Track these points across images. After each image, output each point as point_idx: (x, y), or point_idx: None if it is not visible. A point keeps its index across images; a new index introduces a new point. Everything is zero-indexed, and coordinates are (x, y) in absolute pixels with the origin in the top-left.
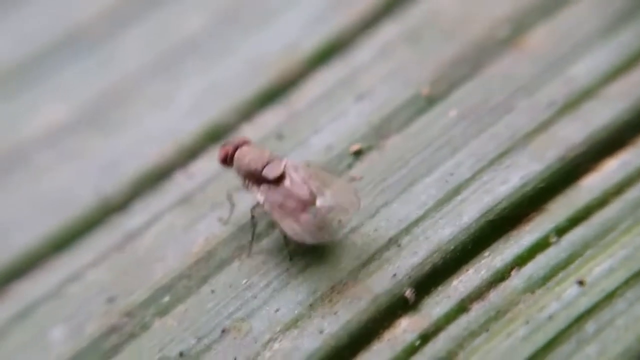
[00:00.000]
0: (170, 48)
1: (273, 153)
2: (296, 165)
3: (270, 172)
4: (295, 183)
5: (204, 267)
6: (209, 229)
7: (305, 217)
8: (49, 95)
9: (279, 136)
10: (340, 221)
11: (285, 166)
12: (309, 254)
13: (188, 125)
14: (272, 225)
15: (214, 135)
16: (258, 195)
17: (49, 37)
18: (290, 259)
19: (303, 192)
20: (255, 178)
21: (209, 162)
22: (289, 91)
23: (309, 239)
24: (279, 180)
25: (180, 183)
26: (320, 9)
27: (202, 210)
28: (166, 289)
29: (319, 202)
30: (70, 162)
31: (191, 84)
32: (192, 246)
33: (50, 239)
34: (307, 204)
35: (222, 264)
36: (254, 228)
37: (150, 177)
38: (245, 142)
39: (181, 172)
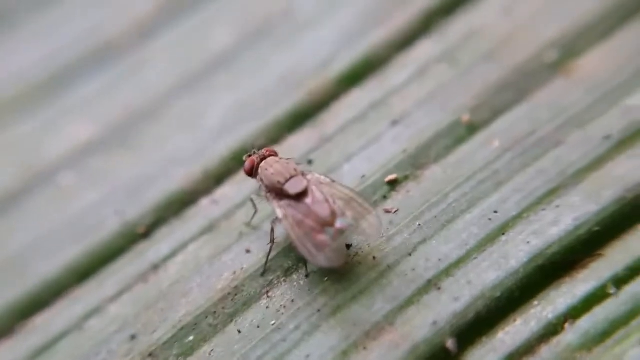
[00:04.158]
0: (198, 64)
1: (299, 167)
2: (321, 182)
3: (292, 188)
4: (317, 201)
5: (230, 304)
6: (235, 261)
7: (321, 238)
8: (73, 113)
9: (309, 161)
10: (350, 246)
11: (309, 182)
12: (332, 278)
13: (215, 147)
14: (291, 243)
15: (241, 158)
16: (278, 210)
17: (75, 53)
18: (307, 277)
19: (323, 211)
20: (277, 192)
21: (235, 188)
22: (320, 112)
23: (323, 262)
24: (301, 196)
25: (206, 210)
26: (353, 26)
27: (228, 241)
28: (190, 327)
29: (338, 223)
30: (94, 184)
31: (219, 102)
32: (217, 280)
33: (72, 268)
34: (326, 224)
35: (249, 302)
36: (272, 243)
37: (175, 203)
38: (272, 154)
39: (206, 198)
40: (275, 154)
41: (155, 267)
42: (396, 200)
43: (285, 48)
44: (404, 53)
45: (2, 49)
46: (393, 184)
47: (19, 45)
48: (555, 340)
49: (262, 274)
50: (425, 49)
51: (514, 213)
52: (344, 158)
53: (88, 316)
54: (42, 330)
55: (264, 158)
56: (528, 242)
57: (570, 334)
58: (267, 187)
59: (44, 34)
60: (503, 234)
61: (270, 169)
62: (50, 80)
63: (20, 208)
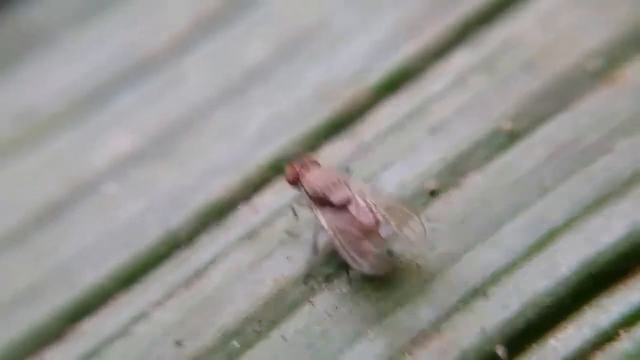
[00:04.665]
0: (235, 78)
1: (341, 176)
2: (363, 191)
3: (337, 197)
4: (361, 209)
5: (274, 311)
6: (276, 268)
7: (366, 246)
8: (115, 125)
9: (347, 170)
10: (393, 254)
11: (352, 191)
12: (374, 285)
13: (253, 157)
14: (333, 251)
15: (279, 167)
16: (321, 218)
17: (114, 68)
18: (349, 284)
19: (367, 220)
20: (321, 201)
21: (274, 196)
22: (356, 122)
23: (368, 270)
24: (345, 205)
25: (246, 217)
26: (389, 35)
27: (269, 248)
28: (235, 333)
29: (382, 232)
30: (137, 194)
31: (257, 113)
32: (260, 287)
33: (118, 275)
34: (371, 232)
35: (293, 308)
36: (317, 256)
37: (216, 211)
38: (313, 162)
39: (246, 206)
40: (317, 163)
41: (198, 273)
42: (437, 208)
43: (321, 60)
44: (441, 62)
45: (44, 66)
46: (433, 193)
47: (60, 62)
48: (610, 348)
49: (304, 281)
50: (462, 59)
51: (562, 221)
52: (381, 166)
53: (134, 321)
54: (90, 335)
55: (304, 166)
56: (578, 250)
57: (627, 342)
58: (310, 196)
59: (83, 51)
60: (551, 241)
61: (314, 178)
62: (92, 94)
63: (66, 218)
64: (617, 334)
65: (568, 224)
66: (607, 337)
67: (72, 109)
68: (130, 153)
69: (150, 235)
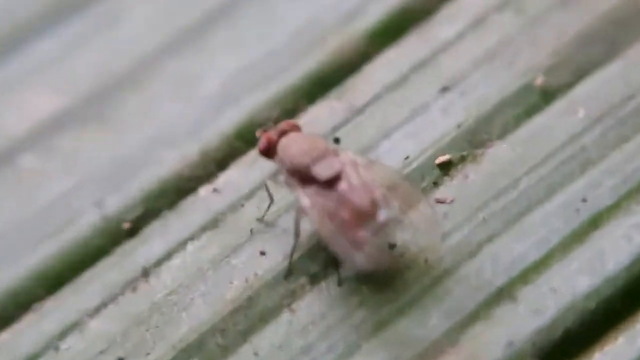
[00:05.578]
0: (192, 15)
1: (329, 145)
2: (356, 163)
3: (322, 171)
4: (354, 187)
5: (243, 320)
6: (247, 266)
7: (359, 233)
8: (33, 79)
9: (336, 139)
10: (395, 245)
11: (342, 163)
12: (371, 285)
13: (215, 121)
14: (319, 242)
15: (249, 135)
16: (303, 199)
17: (32, 3)
18: (340, 284)
19: (362, 200)
20: (302, 176)
21: (242, 172)
22: (347, 77)
23: (363, 265)
24: (333, 181)
25: (207, 200)
26: None
27: (237, 240)
28: (194, 348)
29: (382, 215)
30: (64, 168)
31: (219, 64)
32: (226, 289)
33: (41, 274)
34: (367, 216)
35: (267, 316)
36: (297, 237)
37: (167, 191)
38: (294, 128)
39: (207, 185)
40: (298, 128)
41: (146, 273)
42: (451, 187)
43: None
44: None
45: None
46: (446, 167)
47: None
48: None
49: (285, 277)
50: None
51: (609, 202)
52: (381, 135)
53: (64, 334)
54: (6, 350)
55: (283, 133)
56: (629, 239)
57: None
58: (288, 170)
59: None
60: (596, 228)
61: (294, 146)
62: (1, 41)
63: None
64: None
65: (616, 206)
66: None
67: None
68: (52, 115)
69: (82, 223)
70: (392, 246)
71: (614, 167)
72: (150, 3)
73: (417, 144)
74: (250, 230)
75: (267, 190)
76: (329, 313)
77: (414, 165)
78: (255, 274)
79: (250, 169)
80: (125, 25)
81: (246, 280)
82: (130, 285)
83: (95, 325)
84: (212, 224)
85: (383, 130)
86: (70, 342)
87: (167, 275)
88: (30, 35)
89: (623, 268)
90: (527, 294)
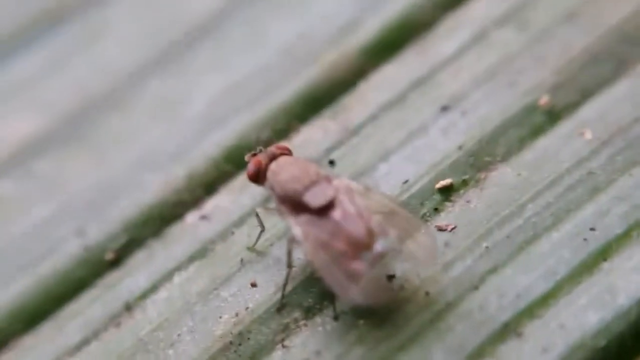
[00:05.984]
0: (176, 32)
1: (322, 170)
2: (351, 189)
3: (315, 199)
4: (349, 215)
5: (234, 357)
6: (237, 299)
7: (355, 265)
8: (11, 100)
9: (331, 162)
10: (393, 277)
11: (336, 190)
12: (368, 320)
13: (201, 144)
14: (313, 272)
15: (238, 157)
16: (295, 228)
17: (13, 18)
18: (336, 319)
19: (358, 229)
20: (293, 203)
21: (231, 198)
22: (341, 96)
23: (360, 299)
24: (326, 209)
25: (194, 228)
26: None
27: (226, 270)
28: None
29: (378, 246)
30: (42, 194)
31: (205, 84)
32: (214, 324)
33: (19, 309)
34: (363, 246)
35: (259, 354)
36: (290, 268)
37: (152, 218)
38: (284, 152)
39: (194, 212)
40: (289, 153)
41: (130, 307)
42: (452, 213)
43: (292, 10)
44: (455, 13)
45: None
46: (447, 192)
47: None
48: None
49: (278, 311)
50: (482, 7)
51: (618, 230)
52: (377, 157)
53: None
54: None
55: (273, 158)
56: None
57: None
58: (279, 197)
59: None
60: (605, 259)
61: (284, 172)
62: None
63: None
64: None
65: (627, 235)
66: None
67: None
68: (31, 138)
69: (62, 253)
70: (390, 278)
71: (623, 193)
72: (133, 20)
73: (416, 167)
74: (241, 260)
75: (258, 218)
76: (325, 350)
77: (413, 189)
78: (246, 308)
79: (240, 193)
80: (107, 43)
81: (236, 315)
82: (114, 320)
83: None
84: (200, 253)
85: (380, 152)
86: None
87: (153, 310)
88: (5, 53)
89: (635, 302)
90: (534, 330)
